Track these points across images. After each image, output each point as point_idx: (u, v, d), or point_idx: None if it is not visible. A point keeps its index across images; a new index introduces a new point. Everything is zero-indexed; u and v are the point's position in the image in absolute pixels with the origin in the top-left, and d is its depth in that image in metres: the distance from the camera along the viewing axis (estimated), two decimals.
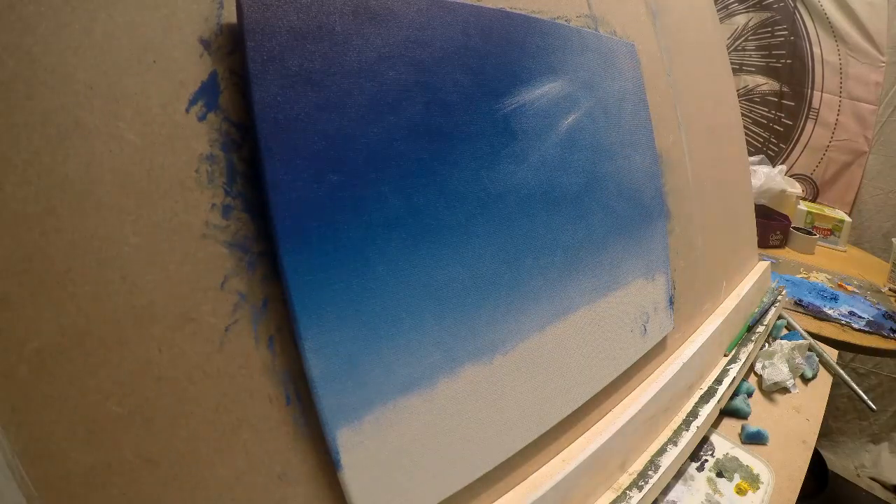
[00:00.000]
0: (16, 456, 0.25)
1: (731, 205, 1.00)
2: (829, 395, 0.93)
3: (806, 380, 0.95)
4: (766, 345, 1.00)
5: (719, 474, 0.69)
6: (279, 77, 0.33)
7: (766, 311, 1.03)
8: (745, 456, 0.72)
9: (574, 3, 0.60)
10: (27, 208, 0.25)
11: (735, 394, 0.84)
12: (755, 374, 0.93)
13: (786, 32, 2.12)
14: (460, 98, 0.44)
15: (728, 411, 0.82)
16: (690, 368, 0.74)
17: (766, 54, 2.20)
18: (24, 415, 0.25)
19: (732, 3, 2.22)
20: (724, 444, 0.74)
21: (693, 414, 0.72)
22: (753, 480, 0.69)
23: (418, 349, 0.41)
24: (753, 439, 0.76)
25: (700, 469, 0.70)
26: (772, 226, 1.73)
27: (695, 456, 0.71)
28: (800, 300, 1.30)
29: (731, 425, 0.80)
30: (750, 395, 0.86)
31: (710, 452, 0.73)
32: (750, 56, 2.24)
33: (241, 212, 0.33)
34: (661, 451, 0.65)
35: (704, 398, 0.76)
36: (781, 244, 1.75)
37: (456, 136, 0.44)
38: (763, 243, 1.69)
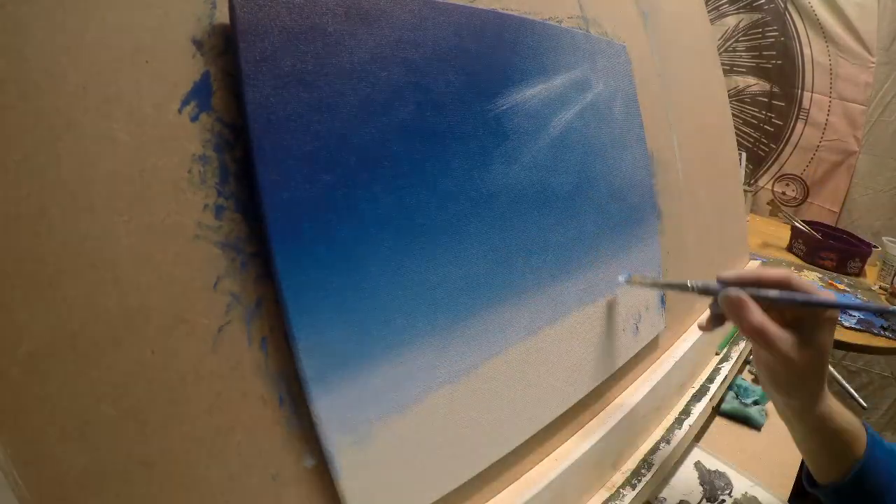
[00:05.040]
0: (8, 459, 0.24)
1: (722, 204, 1.01)
2: None
3: None
4: None
5: None
6: (272, 77, 0.33)
7: None
8: (765, 495, 0.69)
9: (566, 5, 0.61)
10: (19, 209, 0.25)
11: (756, 402, 0.84)
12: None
13: (776, 33, 2.14)
14: (452, 98, 0.44)
15: (741, 418, 0.82)
16: (682, 367, 0.75)
17: (756, 55, 2.22)
18: (17, 417, 0.25)
19: (723, 4, 2.24)
20: (743, 483, 0.71)
21: (685, 412, 0.72)
22: None
23: (411, 349, 0.41)
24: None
25: None
26: (851, 252, 1.62)
27: (711, 496, 0.68)
28: None
29: (748, 445, 0.78)
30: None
31: (727, 492, 0.70)
32: (741, 57, 2.25)
33: (233, 212, 0.33)
34: (654, 449, 0.65)
35: (696, 396, 0.76)
36: (860, 273, 1.63)
37: (448, 137, 0.44)
38: (840, 269, 1.60)
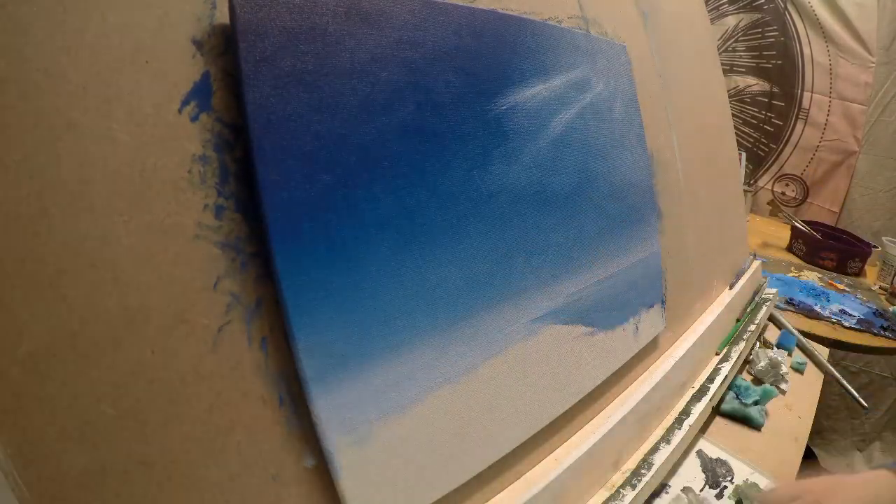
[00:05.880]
0: (9, 458, 0.24)
1: (722, 204, 1.01)
2: (821, 393, 0.94)
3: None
4: (758, 342, 1.00)
5: (739, 502, 0.66)
6: (272, 78, 0.33)
7: (756, 310, 1.03)
8: (766, 482, 0.68)
9: (566, 5, 0.61)
10: (20, 209, 0.25)
11: (756, 402, 0.84)
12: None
13: (776, 33, 2.13)
14: (452, 99, 0.44)
15: (740, 418, 0.82)
16: (682, 367, 0.75)
17: (756, 55, 2.22)
18: (17, 417, 0.25)
19: (723, 4, 2.24)
20: (744, 470, 0.71)
21: (685, 412, 0.72)
22: None
23: (411, 349, 0.41)
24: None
25: (719, 496, 0.67)
26: (851, 252, 1.60)
27: (713, 482, 0.69)
28: (791, 299, 1.31)
29: (749, 445, 0.78)
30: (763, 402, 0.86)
31: (728, 478, 0.70)
32: (740, 57, 2.25)
33: (233, 212, 0.33)
34: (654, 449, 0.65)
35: (697, 396, 0.76)
36: (860, 273, 1.61)
37: (448, 137, 0.44)
38: (840, 269, 1.59)
